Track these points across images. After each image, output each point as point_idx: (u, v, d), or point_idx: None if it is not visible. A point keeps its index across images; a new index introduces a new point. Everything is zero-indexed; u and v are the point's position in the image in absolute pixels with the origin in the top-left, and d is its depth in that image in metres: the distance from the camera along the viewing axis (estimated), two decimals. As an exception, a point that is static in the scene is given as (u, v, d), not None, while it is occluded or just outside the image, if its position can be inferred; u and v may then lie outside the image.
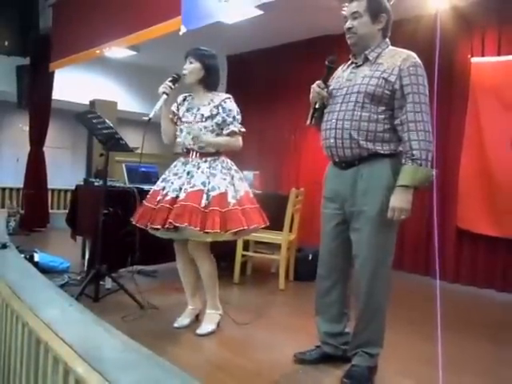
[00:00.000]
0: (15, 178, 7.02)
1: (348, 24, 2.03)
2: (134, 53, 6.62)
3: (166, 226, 2.37)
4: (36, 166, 6.25)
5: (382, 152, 1.97)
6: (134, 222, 2.56)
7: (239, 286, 3.74)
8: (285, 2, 4.19)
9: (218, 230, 2.36)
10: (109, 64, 7.18)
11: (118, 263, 3.22)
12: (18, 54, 5.36)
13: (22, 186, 6.52)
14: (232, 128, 2.56)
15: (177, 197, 2.45)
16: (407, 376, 2.19)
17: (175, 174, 2.55)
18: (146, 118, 2.44)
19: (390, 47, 2.07)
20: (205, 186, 2.44)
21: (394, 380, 2.15)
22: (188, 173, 2.50)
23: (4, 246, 2.99)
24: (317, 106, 2.13)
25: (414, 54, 2.00)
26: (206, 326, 2.56)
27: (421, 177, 1.90)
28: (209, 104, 2.57)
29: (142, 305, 2.89)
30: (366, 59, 2.04)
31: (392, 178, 1.94)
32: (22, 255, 3.25)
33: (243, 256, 3.89)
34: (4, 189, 7.60)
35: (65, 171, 8.11)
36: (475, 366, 2.34)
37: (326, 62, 2.13)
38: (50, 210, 6.88)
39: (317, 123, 2.21)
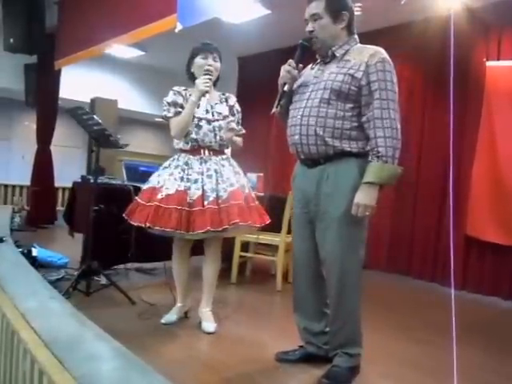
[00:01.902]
0: (21, 175, 7.12)
1: (309, 27, 1.97)
2: (143, 53, 6.70)
3: (226, 226, 2.35)
4: (43, 164, 6.30)
5: (349, 150, 1.92)
6: (167, 229, 2.34)
7: (236, 286, 3.71)
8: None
9: (261, 224, 2.53)
10: (116, 63, 7.27)
11: (112, 260, 3.22)
12: (24, 52, 5.35)
13: (27, 183, 6.59)
14: (243, 130, 2.66)
15: (217, 197, 2.40)
16: (392, 379, 2.15)
17: (200, 173, 2.43)
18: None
19: (359, 44, 2.01)
20: (238, 183, 2.48)
21: (377, 382, 2.10)
22: (215, 171, 2.45)
23: (1, 240, 3.02)
24: (285, 89, 2.05)
25: (382, 50, 1.93)
26: (213, 324, 2.56)
27: (386, 174, 1.85)
28: (221, 102, 2.57)
29: (132, 301, 2.89)
30: (334, 56, 1.99)
31: (359, 179, 1.88)
32: (20, 250, 3.28)
33: (242, 257, 3.86)
34: (14, 186, 7.72)
35: (75, 169, 8.19)
36: (468, 376, 2.24)
37: (300, 41, 2.04)
38: (59, 208, 6.94)
39: (282, 114, 2.15)
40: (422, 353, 2.52)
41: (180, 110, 2.47)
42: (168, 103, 2.51)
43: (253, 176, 4.33)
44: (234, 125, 2.51)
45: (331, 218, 1.92)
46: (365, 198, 1.85)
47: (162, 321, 2.58)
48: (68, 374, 1.10)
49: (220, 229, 2.34)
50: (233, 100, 2.62)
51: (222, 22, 4.85)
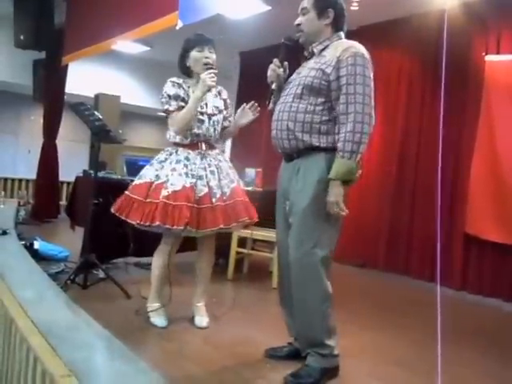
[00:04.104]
0: (27, 169, 7.18)
1: (297, 20, 2.05)
2: (148, 48, 6.73)
3: (234, 224, 2.41)
4: (48, 158, 6.35)
5: (319, 145, 1.94)
6: (176, 227, 2.26)
7: (232, 283, 3.70)
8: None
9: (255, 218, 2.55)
10: (122, 58, 7.29)
11: (110, 253, 3.26)
12: (33, 48, 5.47)
13: (33, 177, 6.66)
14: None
15: (222, 193, 2.41)
16: (379, 378, 2.16)
17: (204, 169, 2.41)
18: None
19: (341, 40, 2.04)
20: (235, 179, 2.54)
21: (363, 381, 2.12)
22: (216, 167, 2.46)
23: (4, 233, 3.08)
24: (273, 87, 2.13)
25: (356, 45, 1.95)
26: (206, 319, 2.59)
27: (344, 170, 1.86)
28: (216, 96, 2.57)
29: (128, 294, 2.92)
30: (313, 52, 2.05)
31: (325, 173, 1.90)
32: (22, 242, 3.33)
33: (239, 253, 3.86)
34: (20, 180, 7.78)
35: (81, 164, 8.25)
36: (467, 380, 2.25)
37: (282, 40, 2.12)
38: (63, 202, 7.00)
39: (273, 110, 2.19)
40: (415, 353, 2.52)
41: (182, 103, 2.39)
42: (169, 96, 2.41)
43: (252, 171, 4.33)
44: (226, 123, 2.59)
45: (297, 212, 1.96)
46: (330, 194, 1.87)
47: (160, 325, 2.49)
48: (60, 360, 1.15)
49: (230, 226, 2.38)
50: (225, 93, 2.64)
51: (225, 17, 4.89)
